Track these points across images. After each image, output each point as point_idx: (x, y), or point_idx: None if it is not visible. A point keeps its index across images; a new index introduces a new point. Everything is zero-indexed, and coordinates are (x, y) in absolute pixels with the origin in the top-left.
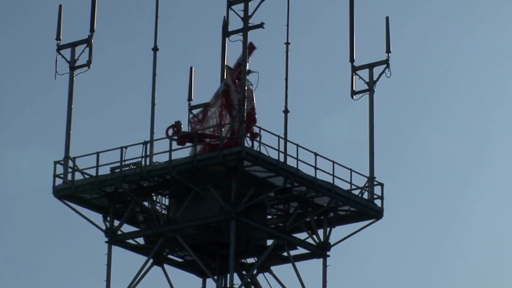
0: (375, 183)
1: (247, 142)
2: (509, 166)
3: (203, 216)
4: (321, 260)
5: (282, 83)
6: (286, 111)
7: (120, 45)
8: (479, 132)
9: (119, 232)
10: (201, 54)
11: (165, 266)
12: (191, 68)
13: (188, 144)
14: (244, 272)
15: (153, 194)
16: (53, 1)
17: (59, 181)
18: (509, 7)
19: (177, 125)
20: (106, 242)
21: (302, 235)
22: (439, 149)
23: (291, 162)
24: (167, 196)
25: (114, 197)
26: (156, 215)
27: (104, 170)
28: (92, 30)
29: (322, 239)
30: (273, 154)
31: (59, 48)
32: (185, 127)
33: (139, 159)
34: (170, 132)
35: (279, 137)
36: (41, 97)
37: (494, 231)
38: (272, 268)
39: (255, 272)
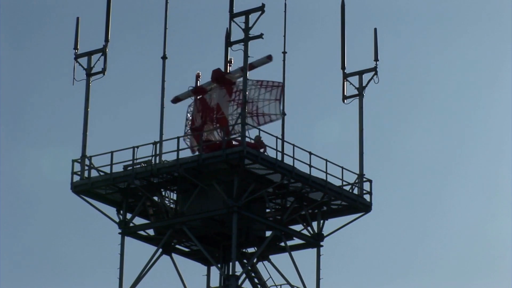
0: (364, 179)
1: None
2: (483, 165)
3: (208, 210)
4: (315, 249)
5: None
6: (283, 114)
7: (132, 53)
8: (457, 133)
9: (131, 224)
10: (206, 62)
11: (173, 255)
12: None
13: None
14: (245, 261)
15: (162, 190)
16: (71, 14)
17: (76, 178)
18: (485, 22)
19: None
20: (119, 233)
21: (298, 227)
22: (423, 149)
23: (288, 160)
24: (175, 192)
25: (127, 192)
26: (165, 208)
27: (118, 168)
28: (106, 40)
29: (316, 231)
30: (272, 153)
31: (77, 56)
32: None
33: (150, 158)
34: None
35: (277, 137)
36: (60, 101)
37: (470, 221)
38: (271, 257)
39: (255, 260)
